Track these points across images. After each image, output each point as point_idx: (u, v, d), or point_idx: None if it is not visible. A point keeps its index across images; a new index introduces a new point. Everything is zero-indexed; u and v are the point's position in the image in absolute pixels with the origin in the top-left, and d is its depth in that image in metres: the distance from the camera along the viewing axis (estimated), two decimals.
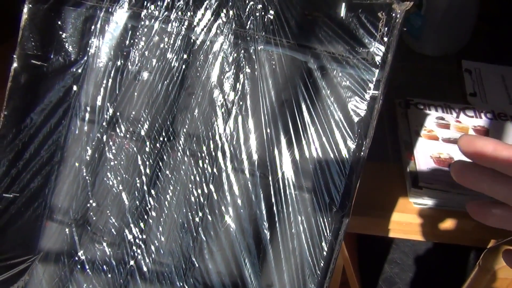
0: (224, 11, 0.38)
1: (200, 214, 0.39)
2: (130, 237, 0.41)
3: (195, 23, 0.39)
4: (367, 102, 0.34)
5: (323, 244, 0.35)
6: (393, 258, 0.84)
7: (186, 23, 0.39)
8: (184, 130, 0.40)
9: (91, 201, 0.42)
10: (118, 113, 0.42)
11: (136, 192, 0.41)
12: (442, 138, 0.69)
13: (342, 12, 0.35)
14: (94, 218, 0.43)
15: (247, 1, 0.37)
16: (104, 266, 0.42)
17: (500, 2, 0.94)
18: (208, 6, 0.38)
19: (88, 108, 0.42)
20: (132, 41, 0.41)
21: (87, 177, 0.42)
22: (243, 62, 0.38)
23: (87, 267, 0.42)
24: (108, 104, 0.41)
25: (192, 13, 0.39)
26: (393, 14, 0.33)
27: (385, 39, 0.33)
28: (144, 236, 0.41)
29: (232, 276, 0.38)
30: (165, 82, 0.40)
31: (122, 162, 0.41)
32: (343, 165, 0.35)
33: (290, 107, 0.37)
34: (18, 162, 0.43)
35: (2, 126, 0.43)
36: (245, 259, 0.38)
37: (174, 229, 0.40)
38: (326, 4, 0.35)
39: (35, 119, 0.43)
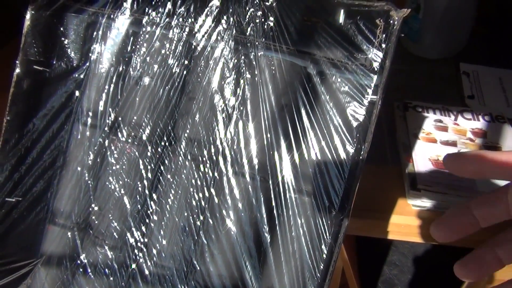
0: (225, 17, 0.38)
1: (201, 217, 0.40)
2: (131, 240, 0.42)
3: (196, 30, 0.39)
4: (365, 107, 0.35)
5: (323, 247, 0.36)
6: (392, 260, 0.84)
7: (187, 29, 0.40)
8: (185, 134, 0.41)
9: (93, 205, 0.43)
10: (119, 118, 0.42)
11: (137, 196, 0.42)
12: (440, 141, 0.70)
13: (341, 19, 0.35)
14: (96, 222, 0.43)
15: (247, 8, 0.37)
16: (106, 270, 0.42)
17: (498, 5, 0.94)
18: (209, 13, 0.39)
19: (90, 113, 0.43)
20: (133, 47, 0.42)
21: (89, 181, 0.43)
22: (244, 68, 0.38)
23: (89, 270, 0.43)
24: (110, 109, 0.42)
25: (193, 20, 0.39)
26: (391, 21, 0.33)
27: (383, 45, 0.34)
28: (146, 240, 0.42)
29: (233, 279, 0.39)
30: (167, 87, 0.41)
31: (123, 167, 0.42)
32: (342, 169, 0.35)
33: (290, 112, 0.37)
34: (21, 167, 0.44)
35: (5, 131, 0.43)
36: (246, 262, 0.38)
37: (175, 232, 0.41)
38: (325, 11, 0.36)
39: (38, 124, 0.43)
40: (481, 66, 0.84)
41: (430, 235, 0.66)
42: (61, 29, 0.43)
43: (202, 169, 0.40)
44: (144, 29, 0.41)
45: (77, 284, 0.43)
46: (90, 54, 0.43)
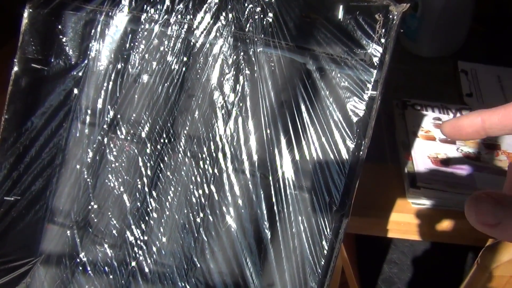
0: (224, 14, 0.38)
1: (201, 214, 0.40)
2: (131, 238, 0.42)
3: (194, 26, 0.39)
4: (365, 102, 0.35)
5: (324, 242, 0.36)
6: (392, 259, 0.84)
7: (185, 26, 0.40)
8: (185, 131, 0.40)
9: (92, 203, 0.43)
10: (118, 116, 0.42)
11: (137, 194, 0.41)
12: (439, 139, 0.70)
13: (340, 14, 0.35)
14: (95, 220, 0.43)
15: (246, 4, 0.37)
16: (106, 268, 0.42)
17: (495, 4, 0.95)
18: (207, 9, 0.39)
19: (89, 111, 0.42)
20: (132, 44, 0.41)
21: (88, 179, 0.42)
22: (243, 64, 0.38)
23: (88, 268, 0.42)
24: (109, 106, 0.42)
25: (191, 16, 0.39)
26: (390, 16, 0.33)
27: (383, 40, 0.34)
28: (146, 237, 0.41)
29: (233, 276, 0.39)
30: (165, 84, 0.40)
31: (123, 164, 0.42)
32: (343, 164, 0.35)
33: (290, 108, 0.37)
34: (19, 165, 0.43)
35: (3, 130, 0.43)
36: (246, 259, 0.38)
37: (175, 230, 0.40)
38: (324, 6, 0.36)
39: (36, 122, 0.43)
40: (479, 64, 0.84)
41: (430, 233, 0.66)
42: (59, 27, 0.43)
43: (201, 166, 0.40)
44: (142, 26, 0.41)
45: (76, 282, 0.43)
46: (88, 52, 0.43)
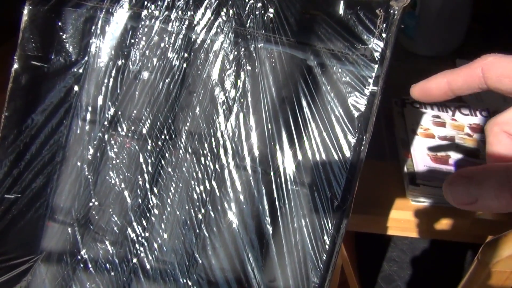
0: (224, 10, 0.38)
1: (203, 210, 0.40)
2: (132, 235, 0.42)
3: (195, 22, 0.39)
4: (366, 97, 0.35)
5: (325, 237, 0.36)
6: (392, 256, 0.84)
7: (186, 22, 0.40)
8: (186, 128, 0.40)
9: (93, 200, 0.43)
10: (119, 112, 0.42)
11: (138, 190, 0.41)
12: (439, 136, 0.70)
13: (341, 10, 0.35)
14: (96, 217, 0.43)
15: (246, 0, 0.37)
16: (107, 265, 0.42)
17: (494, 3, 0.95)
18: (208, 5, 0.39)
19: (90, 108, 0.42)
20: (132, 40, 0.41)
21: (89, 176, 0.42)
22: (244, 60, 0.38)
23: (90, 265, 0.42)
24: (110, 103, 0.42)
25: (192, 13, 0.39)
26: (391, 11, 0.33)
27: (384, 35, 0.34)
28: (147, 234, 0.41)
29: (235, 272, 0.39)
30: (166, 80, 0.40)
31: (124, 161, 0.42)
32: (344, 159, 0.35)
33: (291, 104, 0.37)
34: (20, 163, 0.43)
35: (3, 127, 0.43)
36: (248, 254, 0.38)
37: (176, 226, 0.40)
38: (325, 1, 0.36)
39: (36, 120, 0.43)
40: None
41: (429, 230, 0.67)
42: (59, 23, 0.43)
43: (203, 162, 0.40)
44: (143, 22, 0.41)
45: (78, 279, 0.43)
46: (89, 49, 0.43)
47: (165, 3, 0.40)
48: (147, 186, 0.41)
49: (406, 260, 0.84)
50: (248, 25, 0.38)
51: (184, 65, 0.40)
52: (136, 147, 0.41)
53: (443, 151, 0.67)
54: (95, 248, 0.43)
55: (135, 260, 0.42)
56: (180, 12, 0.40)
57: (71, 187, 0.43)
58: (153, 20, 0.40)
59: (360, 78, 0.35)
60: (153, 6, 0.40)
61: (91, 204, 0.43)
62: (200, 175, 0.40)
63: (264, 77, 0.38)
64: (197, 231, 0.40)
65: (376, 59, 0.34)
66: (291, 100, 0.37)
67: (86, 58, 0.43)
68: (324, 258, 0.36)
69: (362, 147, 0.35)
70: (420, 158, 0.67)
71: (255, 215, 0.38)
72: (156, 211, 0.41)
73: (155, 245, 0.41)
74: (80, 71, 0.43)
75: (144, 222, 0.42)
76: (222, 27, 0.39)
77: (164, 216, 0.41)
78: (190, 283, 0.40)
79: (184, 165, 0.40)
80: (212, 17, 0.39)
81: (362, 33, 0.35)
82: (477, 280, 0.51)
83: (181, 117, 0.41)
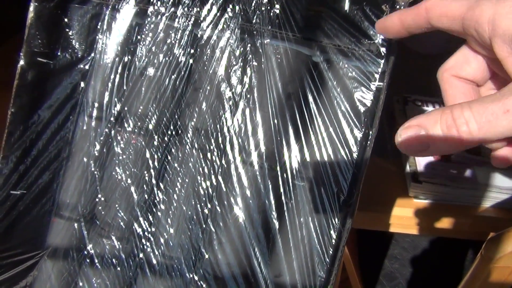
0: (230, 6, 0.39)
1: (209, 205, 0.40)
2: (139, 230, 0.42)
3: (201, 19, 0.40)
4: (373, 92, 0.35)
5: (332, 232, 0.36)
6: (393, 254, 0.85)
7: (192, 18, 0.40)
8: (192, 124, 0.41)
9: (99, 196, 0.43)
10: (125, 109, 0.42)
11: (144, 186, 0.42)
12: None
13: (347, 5, 0.36)
14: (102, 213, 0.43)
15: None
16: (113, 260, 0.42)
17: None
18: (214, 2, 0.39)
19: (96, 104, 0.43)
20: (138, 37, 0.42)
21: (95, 172, 0.43)
22: (250, 56, 0.38)
23: (96, 261, 0.43)
24: (116, 99, 0.42)
25: (198, 9, 0.40)
26: (397, 6, 0.34)
27: None
28: (153, 229, 0.42)
29: (241, 266, 0.39)
30: (172, 76, 0.41)
31: (130, 156, 0.42)
32: (350, 154, 0.36)
33: (297, 99, 0.38)
34: (26, 159, 0.43)
35: (10, 123, 0.43)
36: (255, 249, 0.38)
37: (183, 221, 0.41)
38: None
39: (43, 116, 0.43)
40: None
41: (431, 227, 0.67)
42: (65, 20, 0.43)
43: (209, 157, 0.40)
44: (149, 19, 0.41)
45: (84, 275, 0.43)
46: (95, 45, 0.43)
47: (171, 0, 0.40)
48: (153, 181, 0.41)
49: (408, 257, 0.84)
50: (254, 21, 0.38)
51: (191, 61, 0.40)
52: (143, 142, 0.41)
53: None
54: (101, 243, 0.43)
55: (141, 255, 0.42)
56: (186, 9, 0.40)
57: (77, 183, 0.43)
58: (159, 16, 0.41)
59: (366, 73, 0.35)
60: (159, 3, 0.40)
61: (97, 199, 0.43)
62: (206, 171, 0.40)
63: (271, 73, 0.38)
64: (203, 226, 0.40)
65: (382, 54, 0.34)
66: (297, 95, 0.38)
67: (92, 55, 0.43)
68: (331, 252, 0.36)
69: (369, 142, 0.35)
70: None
71: (261, 210, 0.38)
72: (162, 207, 0.42)
73: (162, 240, 0.41)
74: (87, 67, 0.43)
75: (150, 217, 0.42)
76: (228, 23, 0.39)
77: (170, 212, 0.41)
78: (196, 278, 0.40)
79: (191, 161, 0.40)
80: (218, 13, 0.39)
81: (368, 29, 0.35)
82: (480, 275, 0.52)
83: (187, 113, 0.41)
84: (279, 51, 0.38)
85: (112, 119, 0.42)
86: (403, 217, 0.65)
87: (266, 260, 0.38)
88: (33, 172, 0.43)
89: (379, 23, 0.31)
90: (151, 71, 0.41)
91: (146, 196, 0.42)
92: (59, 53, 0.43)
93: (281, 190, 0.38)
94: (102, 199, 0.43)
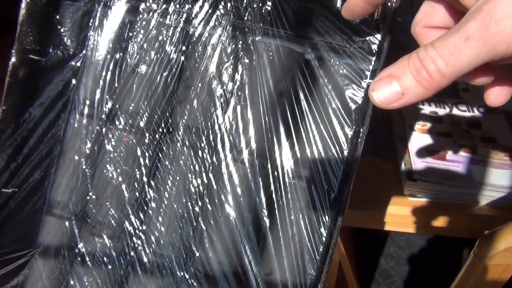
0: (222, 3, 0.38)
1: (200, 203, 0.40)
2: (130, 228, 0.42)
3: (193, 16, 0.39)
4: (364, 90, 0.35)
5: (322, 230, 0.36)
6: (389, 252, 0.85)
7: (184, 15, 0.40)
8: (183, 121, 0.40)
9: (90, 194, 0.43)
10: (117, 106, 0.42)
11: (135, 184, 0.41)
12: (436, 132, 0.70)
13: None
14: (93, 211, 0.43)
15: None
16: (105, 258, 0.42)
17: None
18: None
19: (87, 102, 0.42)
20: (130, 34, 0.41)
21: (86, 170, 0.42)
22: (242, 53, 0.38)
23: (87, 259, 0.42)
24: (107, 97, 0.42)
25: (190, 6, 0.39)
26: (389, 4, 0.33)
27: (381, 27, 0.34)
28: (144, 227, 0.41)
29: (232, 264, 0.39)
30: (164, 74, 0.40)
31: (121, 154, 0.42)
32: (341, 152, 0.35)
33: (288, 97, 0.37)
34: (17, 157, 0.43)
35: (1, 121, 0.43)
36: (245, 246, 0.38)
37: (174, 219, 0.40)
38: None
39: (34, 114, 0.43)
40: None
41: (426, 225, 0.67)
42: (57, 17, 0.43)
43: (200, 155, 0.40)
44: (141, 16, 0.41)
45: (75, 273, 0.43)
46: (87, 42, 0.42)
47: None
48: (145, 179, 0.41)
49: (403, 255, 0.84)
50: (246, 18, 0.38)
51: (182, 58, 0.40)
52: (134, 140, 0.41)
53: (440, 147, 0.68)
54: (92, 241, 0.43)
55: (132, 254, 0.42)
56: (178, 6, 0.40)
57: (68, 181, 0.43)
58: (151, 13, 0.40)
59: (358, 71, 0.35)
60: (151, 0, 0.40)
61: (88, 197, 0.43)
62: (197, 168, 0.40)
63: (262, 70, 0.38)
64: (194, 224, 0.40)
65: (374, 51, 0.34)
66: (289, 93, 0.37)
67: (84, 52, 0.43)
68: (321, 250, 0.36)
69: (359, 140, 0.35)
70: (418, 154, 0.67)
71: (252, 208, 0.38)
72: (153, 205, 0.41)
73: (153, 239, 0.41)
74: (78, 64, 0.43)
75: (141, 215, 0.42)
76: (220, 20, 0.39)
77: (161, 210, 0.41)
78: (187, 276, 0.40)
79: (182, 159, 0.40)
80: (210, 10, 0.39)
81: (359, 26, 0.35)
82: (473, 273, 0.51)
83: (178, 110, 0.41)
84: (270, 49, 0.38)
85: (103, 116, 0.42)
86: (398, 216, 0.65)
87: (257, 258, 0.38)
88: (25, 170, 0.43)
89: (344, 9, 0.30)
90: (142, 68, 0.41)
91: (137, 194, 0.41)
92: (50, 50, 0.43)
93: (272, 188, 0.38)
94: (93, 197, 0.43)
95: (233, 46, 0.38)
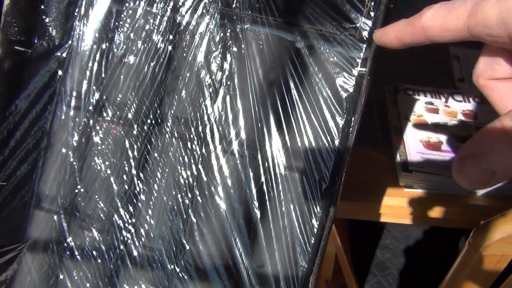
0: None
1: (190, 196, 0.39)
2: (119, 221, 0.41)
3: (180, 4, 0.38)
4: (355, 77, 0.34)
5: (314, 221, 0.35)
6: (385, 244, 0.84)
7: (171, 4, 0.39)
8: (172, 112, 0.40)
9: (79, 187, 0.42)
10: (104, 97, 0.41)
11: (124, 176, 0.41)
12: (432, 123, 0.69)
13: None
14: (82, 204, 0.42)
15: None
16: (94, 252, 0.41)
17: None
18: None
19: (74, 93, 0.41)
20: (117, 23, 0.40)
21: (74, 163, 0.42)
22: (230, 42, 0.37)
23: (76, 253, 0.42)
24: (94, 88, 0.41)
25: None
26: None
27: (372, 14, 0.33)
28: (134, 220, 0.41)
29: (223, 257, 0.38)
30: (152, 64, 0.40)
31: (109, 146, 0.41)
32: (332, 141, 0.35)
33: (278, 86, 0.37)
34: (4, 150, 0.42)
35: None
36: (236, 239, 0.38)
37: (163, 212, 0.40)
38: None
39: (20, 106, 0.42)
40: (471, 49, 0.84)
41: (422, 217, 0.66)
42: (42, 7, 0.42)
43: (189, 146, 0.39)
44: (127, 4, 0.40)
45: (64, 268, 0.42)
46: (72, 32, 0.42)
47: None
48: (133, 171, 0.41)
49: (399, 247, 0.84)
50: (234, 5, 0.37)
51: (170, 47, 0.39)
52: (122, 132, 0.40)
53: (436, 138, 0.67)
54: (81, 235, 0.42)
55: (122, 247, 0.41)
56: None
57: (56, 174, 0.42)
58: (138, 2, 0.39)
59: (349, 59, 0.34)
60: None
61: (76, 191, 0.42)
62: (186, 160, 0.39)
63: (251, 59, 0.37)
64: (185, 216, 0.39)
65: (365, 38, 0.33)
66: (279, 82, 0.37)
67: (70, 42, 0.42)
68: (313, 241, 0.35)
69: (351, 129, 0.34)
70: (413, 144, 0.66)
71: (242, 200, 0.38)
72: (142, 197, 0.41)
73: (142, 232, 0.40)
74: (64, 55, 0.42)
75: (130, 208, 0.41)
76: (208, 8, 0.38)
77: (151, 202, 0.40)
78: (177, 270, 0.40)
79: (171, 150, 0.39)
80: None
81: (350, 12, 0.34)
82: (468, 263, 0.51)
83: (167, 101, 0.40)
84: (260, 37, 0.37)
85: (90, 108, 0.41)
86: (394, 207, 0.65)
87: (248, 251, 0.37)
88: (11, 163, 0.42)
89: (377, 36, 0.29)
90: (130, 58, 0.40)
91: (126, 186, 0.41)
92: (36, 41, 0.42)
93: (263, 179, 0.37)
94: (82, 190, 0.42)
95: (221, 34, 0.37)
